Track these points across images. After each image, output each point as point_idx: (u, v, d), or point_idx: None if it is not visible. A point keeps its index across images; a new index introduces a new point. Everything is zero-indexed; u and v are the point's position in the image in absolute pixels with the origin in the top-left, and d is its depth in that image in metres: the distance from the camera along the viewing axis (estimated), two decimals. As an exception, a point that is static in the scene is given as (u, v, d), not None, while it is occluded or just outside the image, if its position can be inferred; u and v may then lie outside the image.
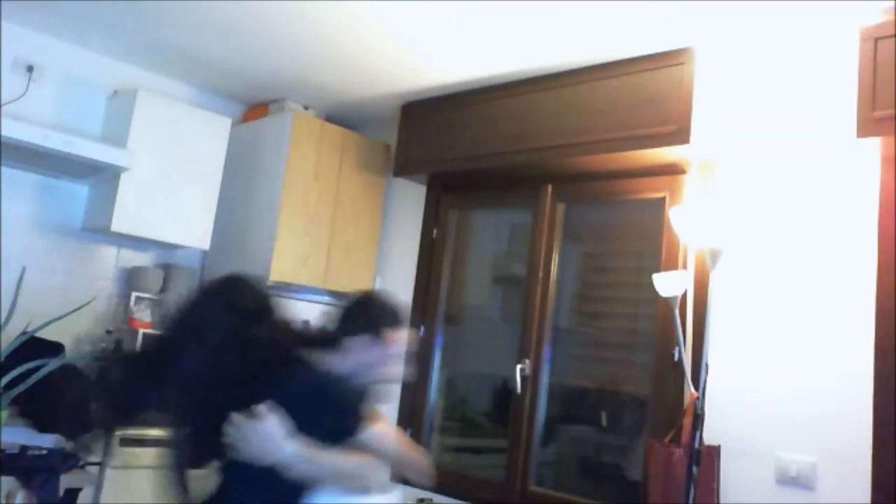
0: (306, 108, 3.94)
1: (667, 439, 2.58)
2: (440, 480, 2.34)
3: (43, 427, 2.80)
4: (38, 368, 2.11)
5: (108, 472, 3.00)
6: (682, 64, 2.77)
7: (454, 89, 3.47)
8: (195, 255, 3.89)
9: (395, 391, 3.44)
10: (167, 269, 3.74)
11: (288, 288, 3.63)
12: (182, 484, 1.84)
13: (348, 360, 1.90)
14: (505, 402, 3.29)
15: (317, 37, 3.12)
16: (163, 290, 3.69)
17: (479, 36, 2.92)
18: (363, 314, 1.97)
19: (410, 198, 3.92)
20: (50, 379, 2.26)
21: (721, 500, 2.48)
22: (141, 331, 3.52)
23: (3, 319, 2.15)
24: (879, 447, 2.28)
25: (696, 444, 2.33)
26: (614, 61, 2.95)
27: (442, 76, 3.36)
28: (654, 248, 2.95)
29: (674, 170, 2.93)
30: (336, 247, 3.81)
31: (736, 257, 2.67)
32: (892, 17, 2.31)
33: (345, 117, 4.02)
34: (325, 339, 1.94)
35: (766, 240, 2.64)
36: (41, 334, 2.28)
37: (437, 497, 3.15)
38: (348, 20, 2.92)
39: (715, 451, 2.49)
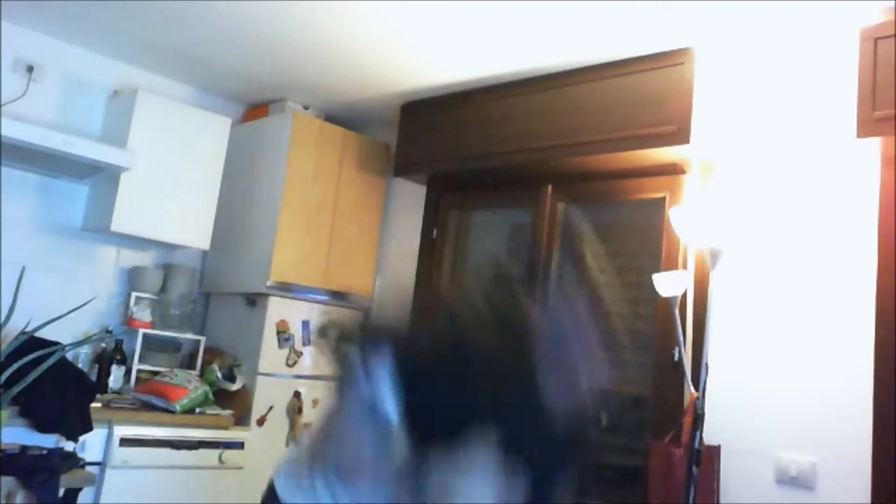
0: (306, 108, 3.94)
1: (667, 439, 2.58)
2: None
3: (43, 427, 2.80)
4: (37, 363, 2.11)
5: (108, 472, 3.01)
6: (682, 64, 2.77)
7: (454, 89, 3.47)
8: (195, 255, 3.89)
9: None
10: (167, 269, 3.74)
11: (288, 288, 3.63)
12: None
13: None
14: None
15: (317, 37, 3.12)
16: (163, 290, 3.69)
17: (479, 36, 2.92)
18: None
19: (410, 198, 3.92)
20: (50, 378, 2.26)
21: (721, 500, 2.48)
22: (141, 331, 3.53)
23: (2, 319, 2.15)
24: (879, 447, 2.28)
25: (696, 444, 2.34)
26: (614, 61, 2.95)
27: (442, 76, 3.36)
28: (654, 248, 2.94)
29: (674, 170, 2.93)
30: (336, 247, 3.81)
31: (736, 257, 2.67)
32: (892, 17, 2.31)
33: (345, 117, 4.02)
34: None
35: (766, 240, 2.64)
36: (41, 334, 2.28)
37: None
38: (349, 20, 2.92)
39: (715, 451, 2.49)
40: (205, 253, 3.87)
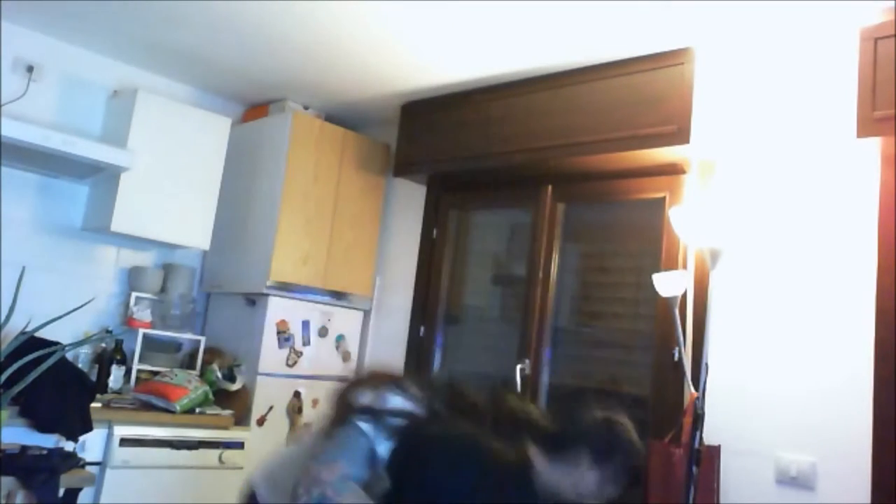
0: (306, 108, 3.94)
1: (667, 439, 2.58)
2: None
3: (43, 427, 2.80)
4: (37, 363, 2.10)
5: (108, 472, 3.01)
6: (682, 64, 2.77)
7: (454, 89, 3.47)
8: (195, 255, 3.89)
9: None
10: (167, 269, 3.74)
11: (288, 288, 3.63)
12: None
13: (573, 475, 1.70)
14: (505, 402, 3.28)
15: (317, 37, 3.12)
16: (163, 290, 3.69)
17: (479, 36, 2.92)
18: (612, 434, 1.73)
19: (410, 198, 3.93)
20: (50, 378, 2.26)
21: (721, 500, 2.48)
22: (141, 331, 3.52)
23: (2, 319, 2.15)
24: (879, 447, 2.28)
25: (696, 444, 2.34)
26: (614, 61, 2.95)
27: (442, 76, 3.36)
28: (654, 248, 2.95)
29: (674, 170, 2.93)
30: (336, 247, 3.81)
31: (736, 257, 2.67)
32: (892, 17, 2.31)
33: (345, 117, 4.02)
34: (556, 440, 1.74)
35: (766, 240, 2.64)
36: (41, 334, 2.28)
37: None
38: (349, 20, 2.92)
39: (715, 451, 2.49)
40: (205, 253, 3.87)
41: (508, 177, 3.46)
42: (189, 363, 3.72)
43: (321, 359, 3.75)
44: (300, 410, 3.62)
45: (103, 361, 3.42)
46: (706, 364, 2.46)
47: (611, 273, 3.31)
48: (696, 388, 2.45)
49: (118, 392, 3.38)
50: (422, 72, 3.34)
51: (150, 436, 3.13)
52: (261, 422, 3.49)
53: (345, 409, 1.72)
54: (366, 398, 1.71)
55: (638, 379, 3.02)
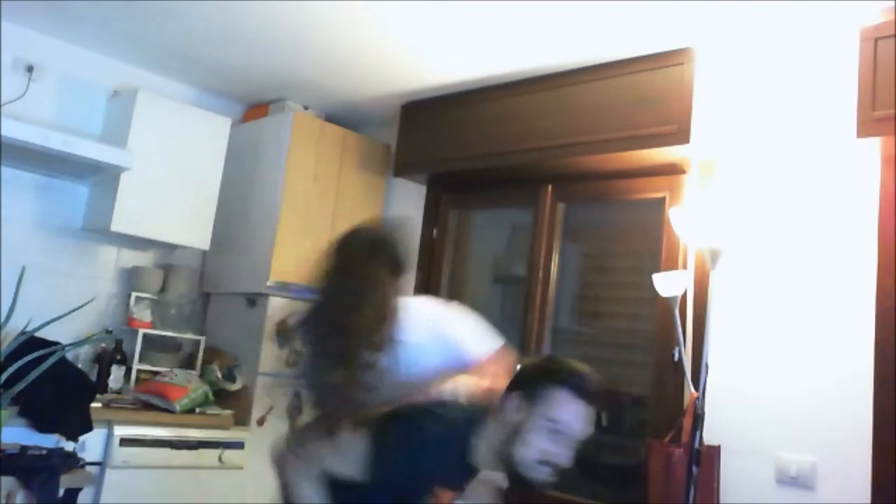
0: (306, 108, 3.94)
1: (667, 439, 2.58)
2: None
3: (43, 427, 2.80)
4: (37, 363, 2.10)
5: (108, 472, 3.01)
6: (682, 64, 2.77)
7: (454, 89, 3.47)
8: (195, 255, 3.89)
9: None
10: (167, 269, 3.74)
11: (288, 288, 3.63)
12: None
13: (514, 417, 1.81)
14: (505, 402, 3.28)
15: (317, 37, 3.12)
16: (163, 290, 3.69)
17: (479, 36, 2.92)
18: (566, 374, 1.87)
19: (410, 198, 3.92)
20: (50, 378, 2.26)
21: (721, 500, 2.48)
22: (141, 331, 3.52)
23: (2, 319, 2.15)
24: (879, 447, 2.28)
25: (696, 444, 2.33)
26: (614, 61, 2.95)
27: (442, 76, 3.36)
28: (654, 248, 2.95)
29: (674, 170, 2.93)
30: (336, 247, 3.81)
31: (736, 257, 2.67)
32: (892, 17, 2.31)
33: (345, 117, 4.02)
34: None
35: (766, 240, 2.64)
36: (41, 334, 2.28)
37: (437, 497, 3.14)
38: (348, 20, 2.92)
39: (715, 451, 2.49)
40: (205, 253, 3.87)
41: (508, 177, 3.46)
42: (189, 363, 3.72)
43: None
44: (301, 410, 3.62)
45: (103, 361, 3.42)
46: (706, 364, 2.45)
47: (611, 273, 3.31)
48: (696, 388, 2.45)
49: (118, 392, 3.38)
50: (422, 72, 3.34)
51: (150, 436, 3.13)
52: (261, 422, 3.49)
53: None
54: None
55: (638, 379, 3.02)
